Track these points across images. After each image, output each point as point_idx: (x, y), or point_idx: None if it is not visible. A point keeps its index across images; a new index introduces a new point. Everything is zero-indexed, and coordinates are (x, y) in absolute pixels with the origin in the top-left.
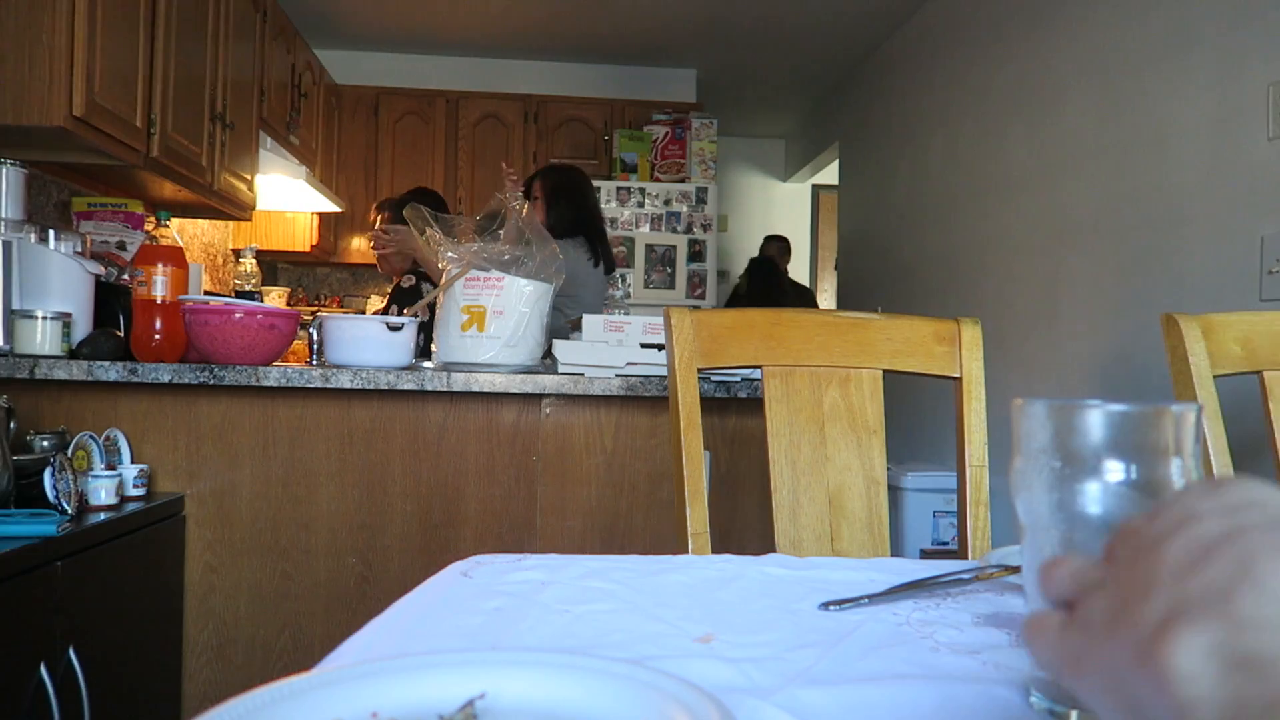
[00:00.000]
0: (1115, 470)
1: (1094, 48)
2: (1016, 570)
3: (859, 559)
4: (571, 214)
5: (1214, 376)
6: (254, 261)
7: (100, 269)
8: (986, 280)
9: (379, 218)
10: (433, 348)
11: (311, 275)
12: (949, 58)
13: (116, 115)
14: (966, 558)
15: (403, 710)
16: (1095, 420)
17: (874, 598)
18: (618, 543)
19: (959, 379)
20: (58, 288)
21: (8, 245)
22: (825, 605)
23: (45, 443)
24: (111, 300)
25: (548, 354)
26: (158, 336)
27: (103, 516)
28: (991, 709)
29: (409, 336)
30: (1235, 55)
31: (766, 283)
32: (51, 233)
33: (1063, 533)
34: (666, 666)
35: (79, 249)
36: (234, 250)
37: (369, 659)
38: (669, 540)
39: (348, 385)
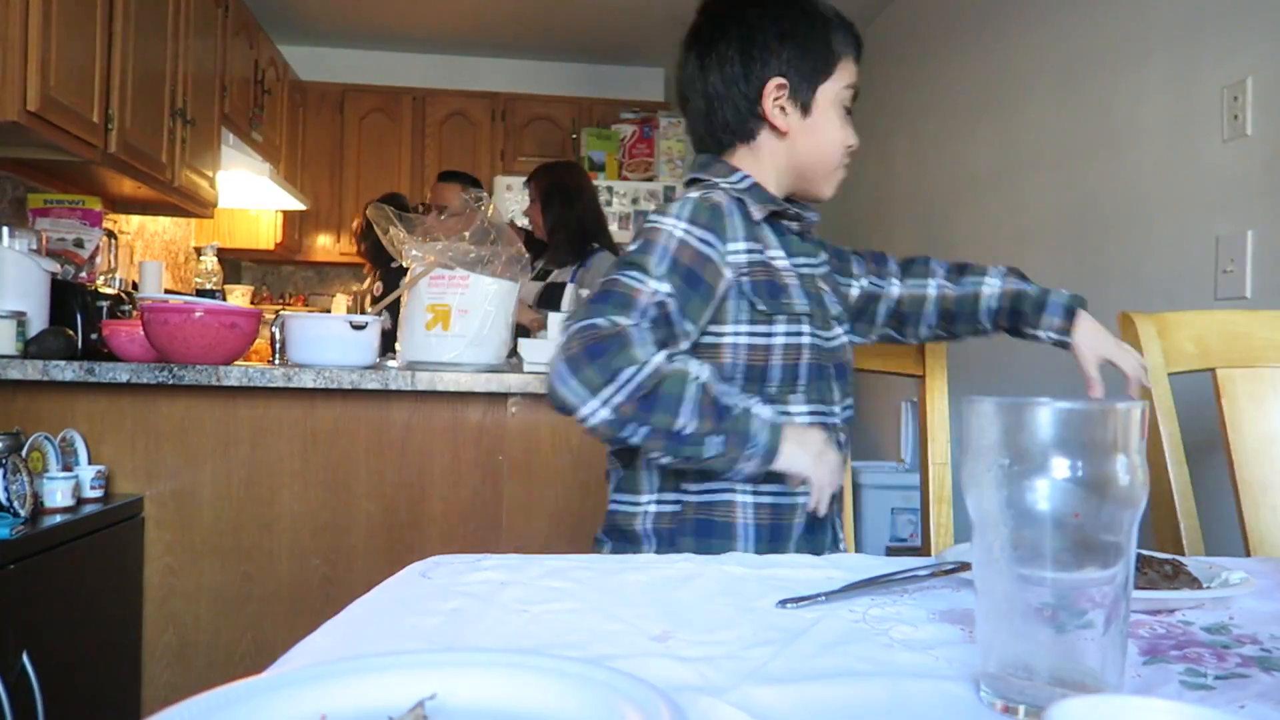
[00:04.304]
0: (1062, 467)
1: (1055, 50)
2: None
3: (819, 556)
4: (569, 216)
5: (1168, 374)
6: (215, 259)
7: (56, 267)
8: None
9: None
10: (396, 346)
11: (276, 274)
12: (912, 59)
13: (73, 110)
14: (930, 555)
15: (352, 713)
16: (1042, 418)
17: (831, 595)
18: (585, 542)
19: (922, 377)
20: (12, 286)
21: None
22: (783, 603)
23: None
24: (69, 299)
25: (513, 353)
26: None
27: (58, 519)
28: (943, 704)
29: (373, 335)
30: (1191, 58)
31: None
32: (5, 230)
33: (1011, 529)
34: (622, 665)
35: (34, 246)
36: (196, 248)
37: (320, 661)
38: None
39: (310, 385)
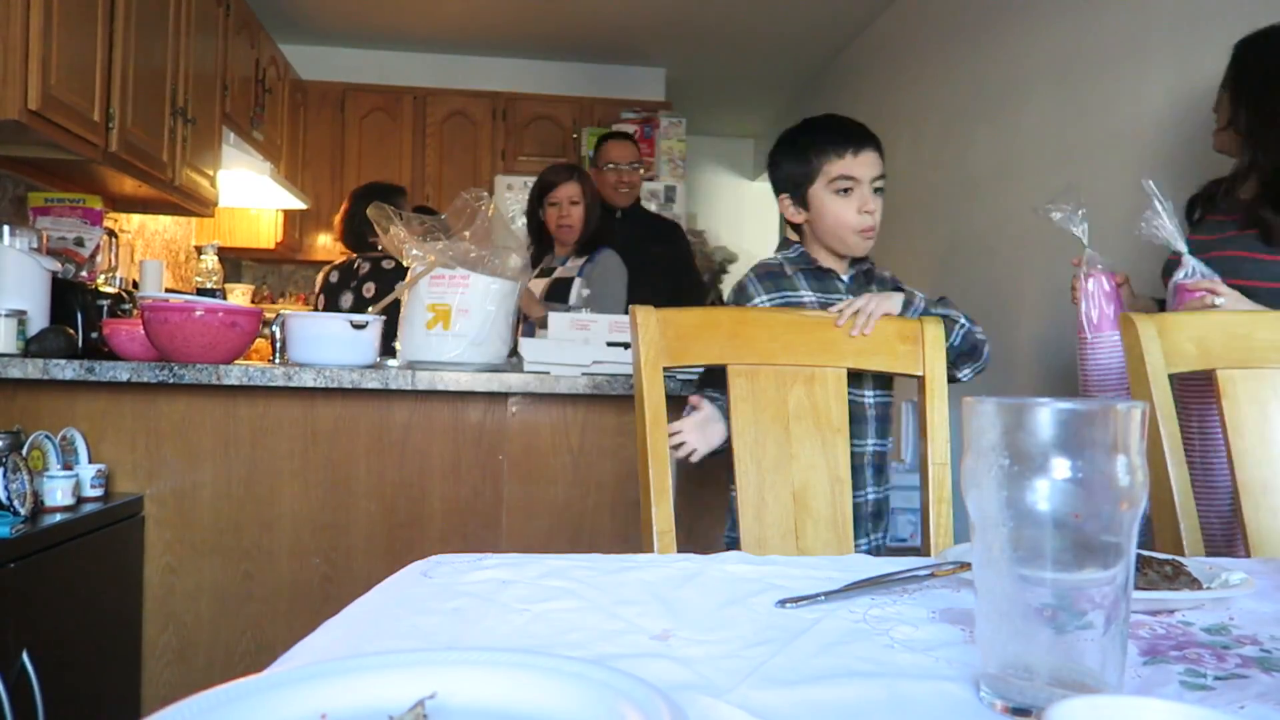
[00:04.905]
0: (1062, 467)
1: (1054, 50)
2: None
3: (818, 557)
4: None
5: (1169, 375)
6: (216, 258)
7: (57, 265)
8: (951, 279)
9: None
10: (396, 345)
11: (276, 273)
12: (913, 60)
13: (74, 109)
14: (930, 555)
15: (352, 711)
16: (1042, 418)
17: (831, 595)
18: (585, 541)
19: (922, 378)
20: (13, 284)
21: None
22: (782, 603)
23: None
24: (69, 297)
25: (514, 352)
26: None
27: (58, 518)
28: (943, 705)
29: (373, 335)
30: (1190, 57)
31: None
32: (6, 228)
33: (1011, 529)
34: (623, 665)
35: (35, 245)
36: (196, 247)
37: (320, 661)
38: (636, 539)
39: (311, 384)
